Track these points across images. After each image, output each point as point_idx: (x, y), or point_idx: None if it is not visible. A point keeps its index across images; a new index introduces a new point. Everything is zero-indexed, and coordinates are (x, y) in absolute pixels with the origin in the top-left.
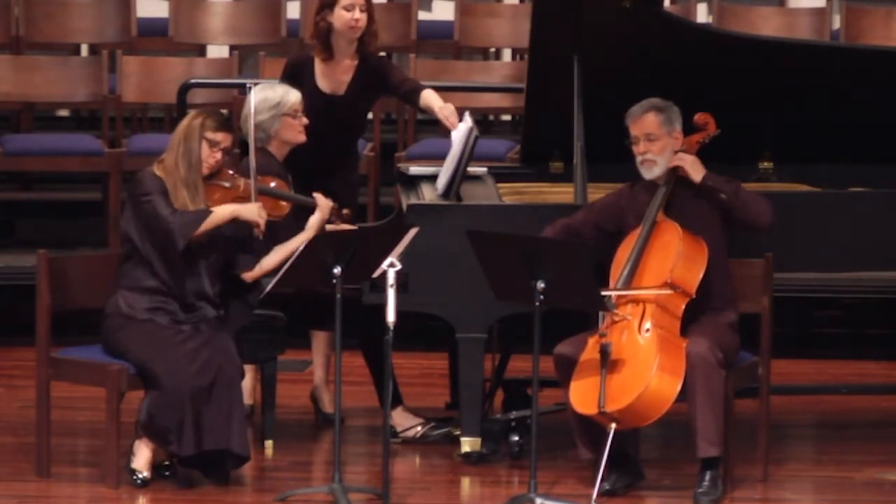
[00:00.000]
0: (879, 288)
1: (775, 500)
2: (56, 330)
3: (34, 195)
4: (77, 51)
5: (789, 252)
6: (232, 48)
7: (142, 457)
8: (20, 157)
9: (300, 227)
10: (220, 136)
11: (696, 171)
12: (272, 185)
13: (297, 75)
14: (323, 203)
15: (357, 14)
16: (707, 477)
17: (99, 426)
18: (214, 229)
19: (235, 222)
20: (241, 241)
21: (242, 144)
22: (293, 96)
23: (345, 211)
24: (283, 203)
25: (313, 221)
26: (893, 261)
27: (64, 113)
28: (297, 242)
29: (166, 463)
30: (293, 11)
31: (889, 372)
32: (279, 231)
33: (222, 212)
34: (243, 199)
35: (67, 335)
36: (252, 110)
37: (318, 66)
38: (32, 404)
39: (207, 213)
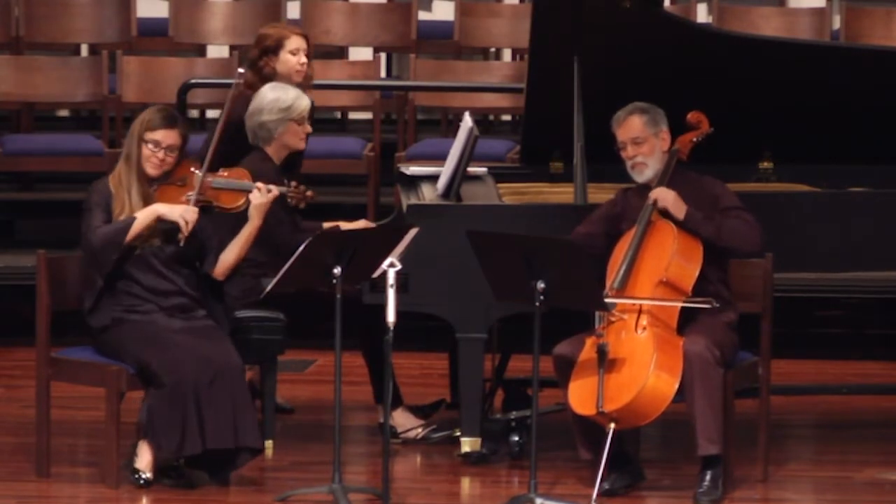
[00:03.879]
0: (879, 288)
1: (775, 500)
2: (56, 330)
3: (34, 195)
4: (77, 51)
5: (790, 252)
6: (232, 48)
7: (144, 457)
8: (20, 157)
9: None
10: (158, 135)
11: (676, 211)
12: (224, 174)
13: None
14: (258, 190)
15: (303, 58)
16: (708, 477)
17: (99, 426)
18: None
19: (162, 221)
20: (205, 237)
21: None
22: (304, 102)
23: (308, 193)
24: (240, 195)
25: (252, 209)
26: (893, 261)
27: (64, 113)
28: (247, 232)
29: (174, 464)
30: (293, 11)
31: (889, 372)
32: (242, 222)
33: (145, 215)
34: (199, 196)
35: (67, 335)
36: (263, 107)
37: None
38: (32, 404)
39: (128, 220)
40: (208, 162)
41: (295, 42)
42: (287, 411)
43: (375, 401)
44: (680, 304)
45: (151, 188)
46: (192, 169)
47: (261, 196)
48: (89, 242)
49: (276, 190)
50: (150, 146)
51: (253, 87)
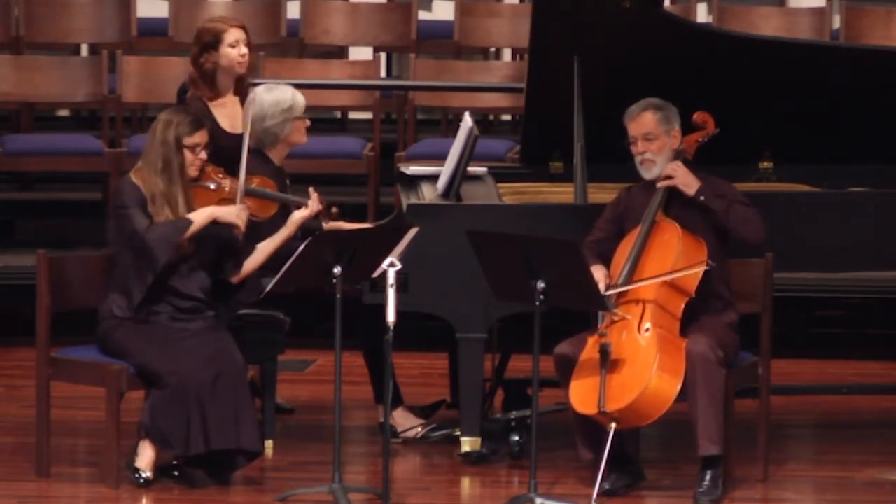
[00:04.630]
0: (879, 288)
1: (775, 500)
2: (56, 330)
3: (34, 195)
4: (77, 51)
5: (789, 252)
6: None
7: (145, 457)
8: (20, 157)
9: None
10: (197, 138)
11: (688, 185)
12: (255, 183)
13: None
14: (312, 201)
15: (243, 49)
16: (707, 477)
17: (99, 426)
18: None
19: (216, 224)
20: (225, 241)
21: None
22: (300, 97)
23: (334, 209)
24: (269, 203)
25: (296, 217)
26: (893, 261)
27: (64, 113)
28: (279, 239)
29: (174, 463)
30: (293, 11)
31: (889, 372)
32: (263, 231)
33: (200, 217)
34: (229, 200)
35: (67, 335)
36: (265, 113)
37: (213, 109)
38: (32, 404)
39: (185, 223)
40: (244, 165)
41: (233, 34)
42: (287, 411)
43: (376, 401)
44: (683, 273)
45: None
46: (219, 175)
47: (304, 211)
48: (142, 241)
49: (321, 206)
50: (191, 151)
51: (195, 83)
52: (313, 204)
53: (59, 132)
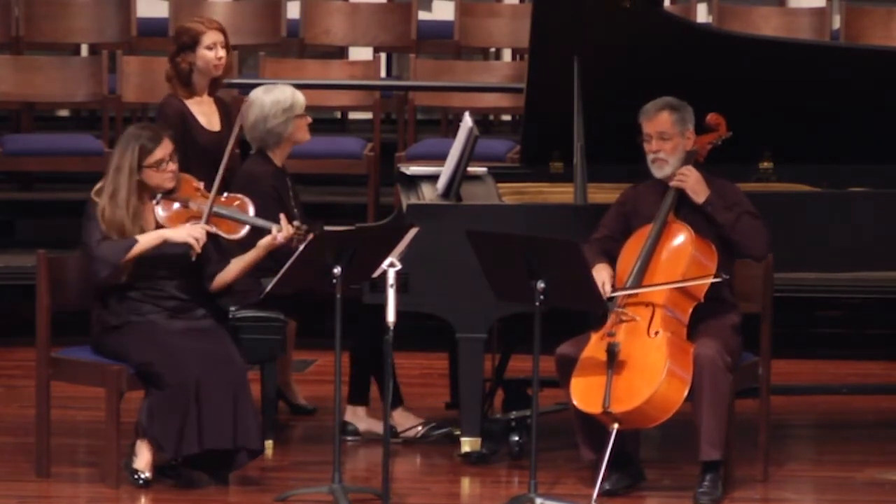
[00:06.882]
0: (879, 288)
1: (775, 500)
2: (56, 330)
3: (34, 195)
4: (77, 51)
5: (789, 252)
6: (232, 48)
7: (143, 458)
8: (20, 157)
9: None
10: (159, 154)
11: (697, 193)
12: (236, 203)
13: (185, 122)
14: (282, 228)
15: (220, 52)
16: (707, 478)
17: (99, 426)
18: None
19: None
20: (204, 247)
21: (244, 145)
22: (300, 95)
23: (311, 236)
24: (240, 226)
25: (262, 244)
26: (893, 261)
27: (64, 113)
28: (247, 260)
29: (173, 464)
30: (293, 11)
31: (889, 372)
32: (236, 251)
33: (148, 239)
34: (197, 219)
35: (67, 335)
36: (267, 114)
37: (190, 107)
38: (32, 404)
39: (130, 242)
40: (217, 185)
41: (211, 37)
42: (308, 412)
43: (349, 400)
44: (694, 283)
45: (154, 201)
46: (193, 188)
47: (269, 238)
48: (89, 253)
49: (289, 232)
50: (156, 168)
51: (170, 80)
52: (280, 231)
53: (59, 132)
